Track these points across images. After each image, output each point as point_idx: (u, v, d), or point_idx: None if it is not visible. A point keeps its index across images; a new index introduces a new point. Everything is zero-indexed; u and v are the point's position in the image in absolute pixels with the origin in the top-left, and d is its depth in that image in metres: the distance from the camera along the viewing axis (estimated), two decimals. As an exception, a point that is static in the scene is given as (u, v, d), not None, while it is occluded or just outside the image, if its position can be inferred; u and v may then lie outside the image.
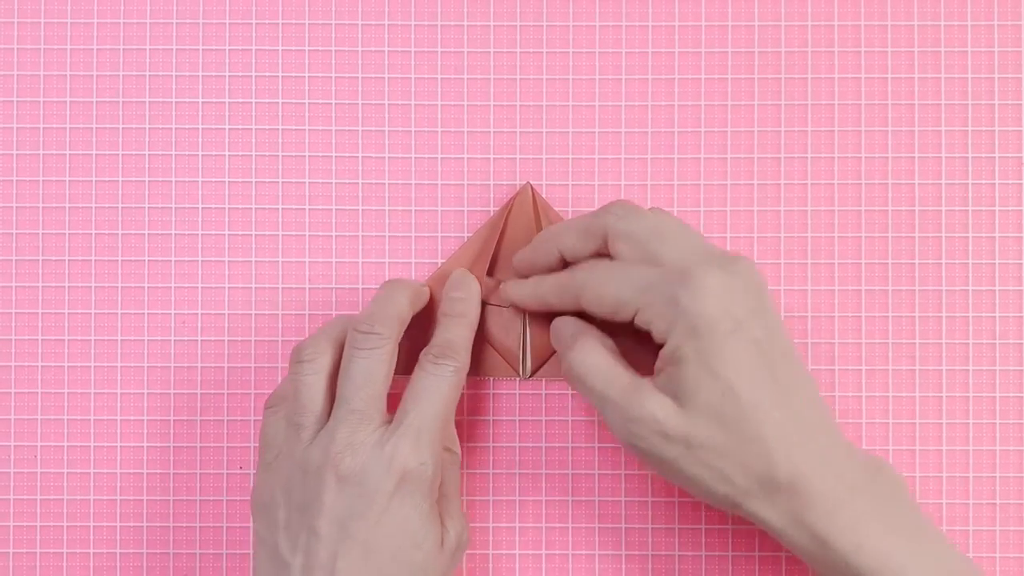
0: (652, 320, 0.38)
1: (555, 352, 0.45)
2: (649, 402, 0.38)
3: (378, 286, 0.44)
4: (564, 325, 0.42)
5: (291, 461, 0.40)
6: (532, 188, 0.46)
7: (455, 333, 0.43)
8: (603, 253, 0.41)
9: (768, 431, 0.37)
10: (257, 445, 0.46)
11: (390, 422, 0.41)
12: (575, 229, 0.42)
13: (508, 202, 0.46)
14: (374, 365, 0.40)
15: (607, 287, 0.40)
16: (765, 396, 0.37)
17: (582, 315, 0.42)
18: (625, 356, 0.41)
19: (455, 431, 0.44)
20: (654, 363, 0.39)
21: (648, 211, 0.41)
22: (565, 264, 0.43)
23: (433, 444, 0.40)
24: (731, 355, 0.37)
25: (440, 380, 0.41)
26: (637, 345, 0.41)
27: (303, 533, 0.39)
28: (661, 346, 0.39)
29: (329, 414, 0.41)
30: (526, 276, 0.44)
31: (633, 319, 0.39)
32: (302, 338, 0.46)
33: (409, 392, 0.41)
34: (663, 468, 0.39)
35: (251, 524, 0.42)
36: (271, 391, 0.46)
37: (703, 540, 0.46)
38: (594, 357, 0.40)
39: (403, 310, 0.43)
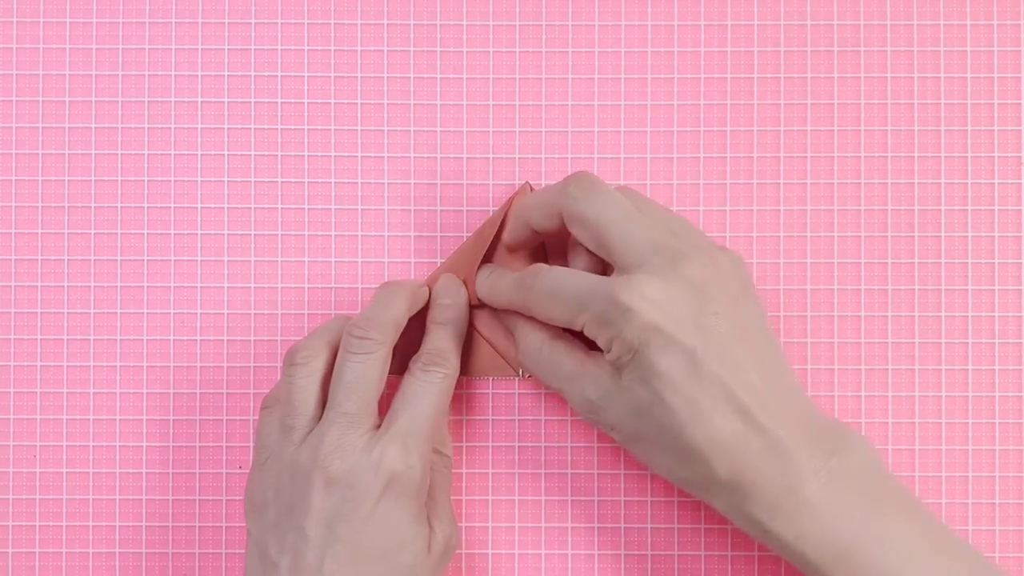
0: (595, 335, 0.39)
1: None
2: (591, 390, 0.40)
3: (377, 286, 0.45)
4: (509, 321, 0.44)
5: (280, 462, 0.40)
6: (531, 188, 0.46)
7: (444, 341, 0.44)
8: (562, 230, 0.42)
9: (703, 441, 0.37)
10: (255, 444, 0.46)
11: (379, 426, 0.41)
12: (536, 207, 0.42)
13: (507, 201, 0.46)
14: (367, 370, 0.41)
15: (552, 302, 0.40)
16: (699, 407, 0.37)
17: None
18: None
19: (447, 433, 0.45)
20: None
21: (609, 191, 0.40)
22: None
23: (421, 448, 0.41)
24: (663, 369, 0.37)
25: (429, 386, 0.42)
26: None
27: (291, 534, 0.39)
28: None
29: (321, 417, 0.41)
30: (512, 251, 0.45)
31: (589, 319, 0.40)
32: (301, 338, 0.46)
33: (399, 397, 0.42)
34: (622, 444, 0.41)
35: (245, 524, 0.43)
36: (270, 391, 0.46)
37: (702, 540, 0.46)
38: (535, 353, 0.42)
39: (399, 314, 0.43)
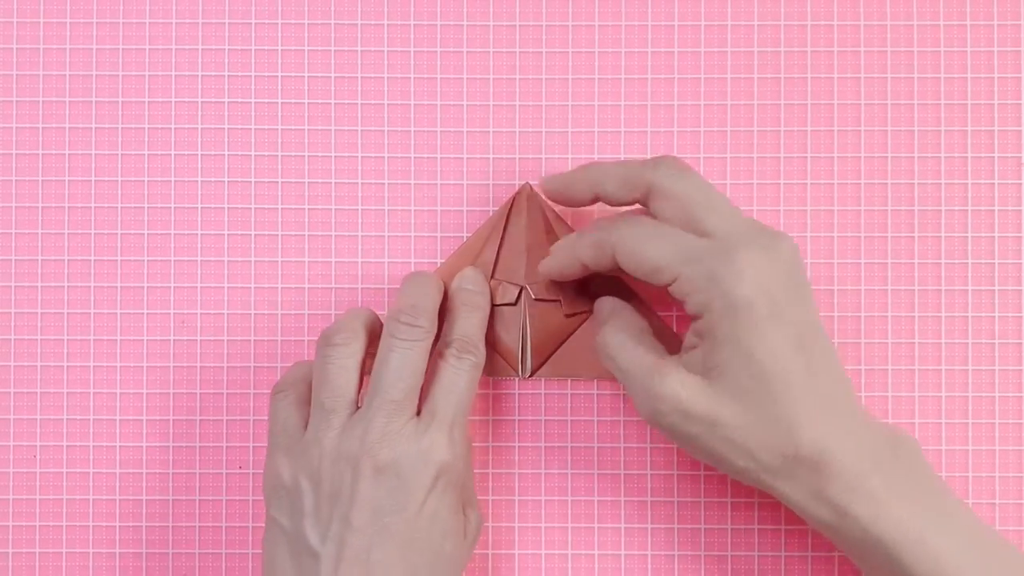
0: (690, 293, 0.38)
1: (555, 351, 0.46)
2: (672, 381, 0.38)
3: (402, 279, 0.44)
4: (603, 304, 0.43)
5: (319, 447, 0.40)
6: (531, 188, 0.46)
7: (473, 326, 0.43)
8: (638, 203, 0.41)
9: (796, 412, 0.37)
10: (255, 444, 0.46)
11: (419, 414, 0.41)
12: (616, 176, 0.41)
13: (507, 202, 0.46)
14: (415, 357, 0.41)
15: (646, 248, 0.39)
16: (796, 380, 0.37)
17: (620, 289, 0.43)
18: (658, 335, 0.42)
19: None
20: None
21: (697, 175, 0.40)
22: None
23: (463, 438, 0.41)
24: (768, 338, 0.37)
25: (463, 374, 0.42)
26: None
27: (335, 523, 0.39)
28: (693, 319, 0.39)
29: (357, 401, 0.41)
30: (558, 204, 0.44)
31: (668, 286, 0.39)
32: (301, 338, 0.47)
33: (437, 386, 0.41)
34: (686, 443, 0.40)
35: (265, 511, 0.42)
36: (270, 391, 0.46)
37: (702, 540, 0.46)
38: (622, 335, 0.41)
39: (438, 305, 0.43)
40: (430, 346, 0.41)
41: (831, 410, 0.38)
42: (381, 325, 0.43)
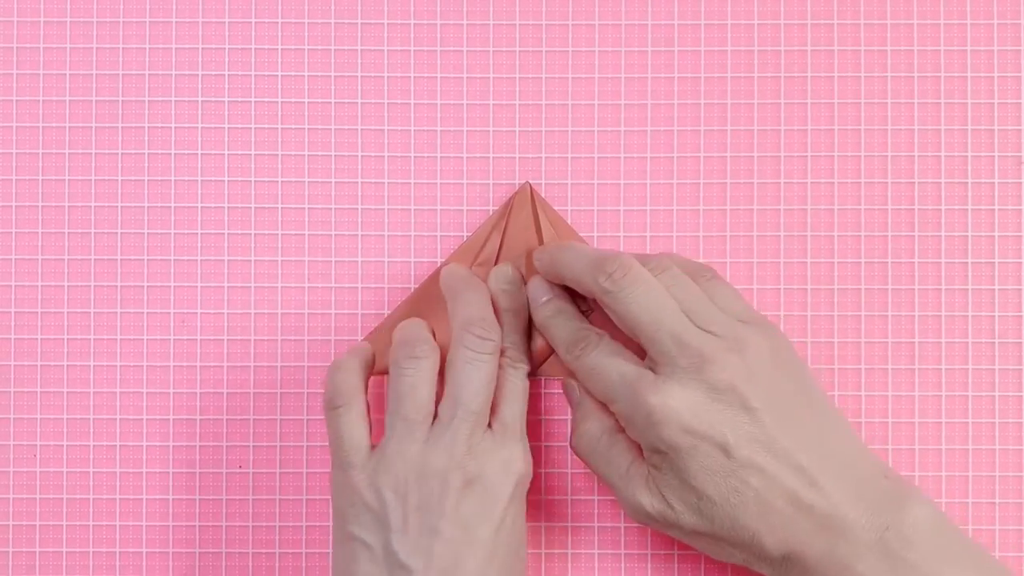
0: (626, 426, 0.41)
1: (555, 351, 0.46)
2: (641, 497, 0.40)
3: (450, 284, 0.44)
4: (571, 391, 0.44)
5: (403, 461, 0.40)
6: (531, 188, 0.46)
7: (519, 332, 0.44)
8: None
9: (752, 523, 0.38)
10: (254, 444, 0.46)
11: (489, 425, 0.42)
12: (571, 275, 0.42)
13: (507, 202, 0.46)
14: (490, 369, 0.41)
15: (592, 382, 0.42)
16: (743, 496, 0.38)
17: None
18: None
19: None
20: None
21: (641, 279, 0.41)
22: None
23: (528, 445, 0.42)
24: (698, 467, 0.38)
25: (521, 383, 0.43)
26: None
27: (424, 536, 0.39)
28: None
29: (433, 413, 0.41)
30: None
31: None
32: (300, 337, 0.47)
33: (501, 396, 0.42)
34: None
35: (337, 530, 0.41)
36: (272, 390, 0.46)
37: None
38: (591, 440, 0.42)
39: (495, 315, 0.43)
40: (499, 355, 0.42)
41: (795, 511, 0.38)
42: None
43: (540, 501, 0.47)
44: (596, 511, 0.47)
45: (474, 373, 0.41)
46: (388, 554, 0.39)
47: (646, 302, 0.40)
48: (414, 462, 0.40)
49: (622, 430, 0.42)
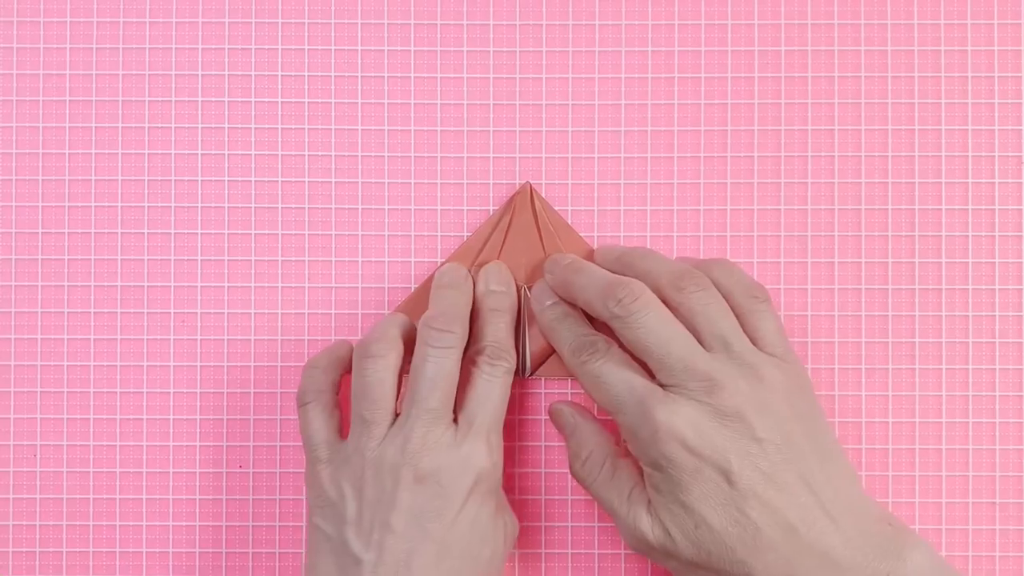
0: (629, 439, 0.41)
1: (555, 351, 0.46)
2: (641, 523, 0.40)
3: (433, 282, 0.45)
4: (563, 415, 0.45)
5: (361, 457, 0.41)
6: (532, 188, 0.46)
7: (502, 331, 0.44)
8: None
9: (749, 557, 0.38)
10: (254, 444, 0.47)
11: (456, 421, 0.41)
12: (583, 300, 0.43)
13: (508, 202, 0.46)
14: (450, 364, 0.41)
15: (596, 390, 0.41)
16: (741, 528, 0.38)
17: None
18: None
19: None
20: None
21: (650, 304, 0.41)
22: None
23: (499, 445, 0.42)
24: (699, 492, 0.38)
25: (497, 381, 0.42)
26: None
27: (376, 530, 0.40)
28: None
29: (396, 409, 0.42)
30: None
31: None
32: (300, 337, 0.47)
33: (471, 393, 0.42)
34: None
35: (306, 521, 0.42)
36: (272, 389, 0.46)
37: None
38: (593, 467, 0.43)
39: (469, 307, 0.44)
40: (462, 351, 0.42)
41: (797, 547, 0.38)
42: (415, 330, 0.43)
43: (540, 501, 0.47)
44: (596, 511, 0.47)
45: (430, 369, 0.41)
46: (344, 546, 0.40)
47: (656, 328, 0.40)
48: (370, 459, 0.40)
49: (625, 454, 0.42)
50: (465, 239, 0.47)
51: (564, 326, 0.43)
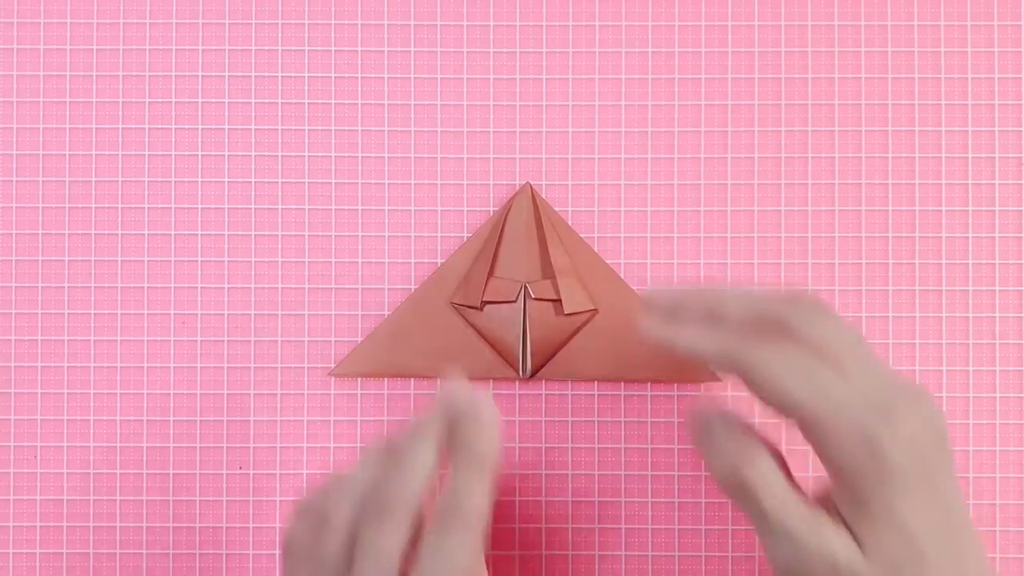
0: (837, 447, 0.34)
1: (556, 352, 0.46)
2: (833, 540, 0.34)
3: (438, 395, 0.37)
4: (713, 421, 0.37)
5: None
6: (532, 188, 0.47)
7: (470, 497, 0.34)
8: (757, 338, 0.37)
9: None
10: (254, 445, 0.47)
11: None
12: (744, 306, 0.37)
13: (507, 202, 0.46)
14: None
15: (787, 383, 0.35)
16: (947, 559, 0.34)
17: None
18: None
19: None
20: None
21: (839, 319, 0.37)
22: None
23: None
24: (921, 508, 0.34)
25: (451, 557, 0.34)
26: None
27: None
28: (832, 475, 0.35)
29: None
30: (661, 310, 0.39)
31: (800, 426, 0.35)
32: (300, 339, 0.47)
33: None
34: None
35: None
36: (272, 391, 0.47)
37: (703, 541, 0.47)
38: (772, 474, 0.35)
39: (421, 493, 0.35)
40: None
41: None
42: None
43: (541, 502, 0.47)
44: (596, 512, 0.47)
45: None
46: None
47: (851, 338, 0.36)
48: None
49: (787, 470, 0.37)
50: (465, 240, 0.47)
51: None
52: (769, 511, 0.35)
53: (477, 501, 0.34)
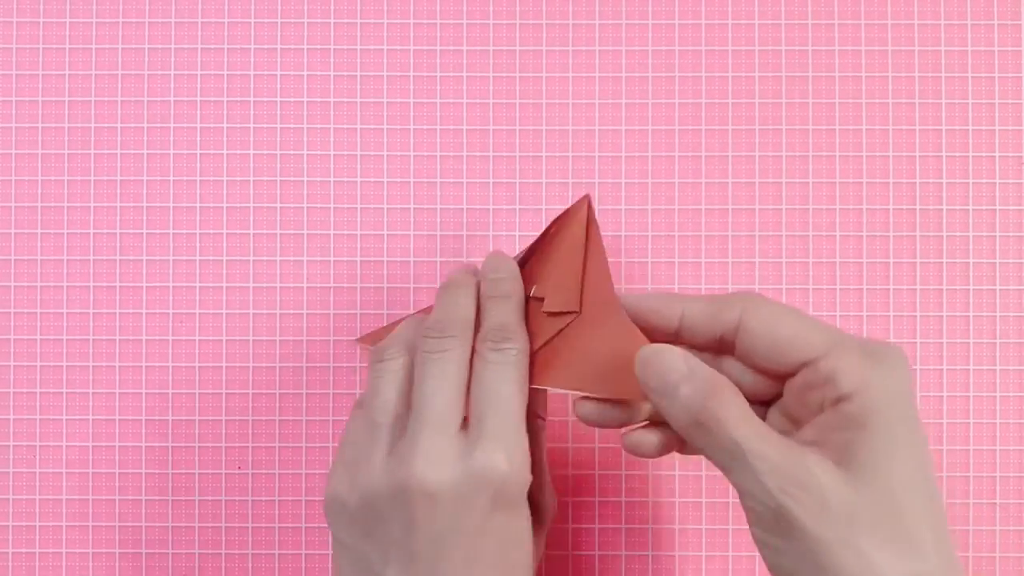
0: (838, 374, 0.34)
1: (537, 360, 0.42)
2: (814, 465, 0.33)
3: (439, 288, 0.42)
4: (675, 358, 0.36)
5: (370, 466, 0.38)
6: (590, 202, 0.42)
7: (506, 314, 0.40)
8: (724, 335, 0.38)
9: (927, 530, 0.33)
10: (254, 445, 0.47)
11: (467, 425, 0.37)
12: (702, 301, 0.38)
13: (565, 216, 0.42)
14: (451, 368, 0.38)
15: (783, 323, 0.36)
16: (929, 499, 0.34)
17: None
18: None
19: (545, 397, 0.42)
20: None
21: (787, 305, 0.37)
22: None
23: (521, 442, 0.37)
24: (918, 443, 0.34)
25: (504, 368, 0.38)
26: None
27: (393, 549, 0.37)
28: (831, 404, 0.35)
29: (406, 418, 0.38)
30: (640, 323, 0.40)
31: (802, 368, 0.35)
32: (299, 338, 0.47)
33: (477, 389, 0.38)
34: (799, 550, 0.34)
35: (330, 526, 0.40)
36: (270, 390, 0.47)
37: (703, 540, 0.47)
38: (744, 405, 0.35)
39: (470, 312, 0.40)
40: (466, 355, 0.38)
41: (944, 537, 0.34)
42: None
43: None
44: (596, 512, 0.47)
45: (428, 376, 0.38)
46: (364, 560, 0.38)
47: (795, 309, 0.37)
48: (378, 471, 0.37)
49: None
50: (517, 252, 0.45)
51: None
52: (743, 440, 0.34)
53: (513, 286, 0.41)
